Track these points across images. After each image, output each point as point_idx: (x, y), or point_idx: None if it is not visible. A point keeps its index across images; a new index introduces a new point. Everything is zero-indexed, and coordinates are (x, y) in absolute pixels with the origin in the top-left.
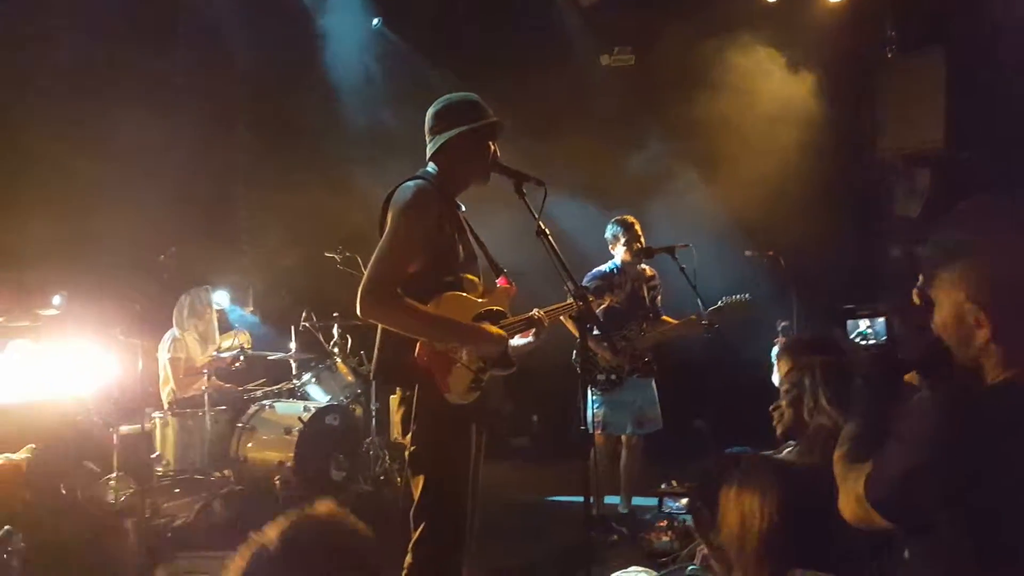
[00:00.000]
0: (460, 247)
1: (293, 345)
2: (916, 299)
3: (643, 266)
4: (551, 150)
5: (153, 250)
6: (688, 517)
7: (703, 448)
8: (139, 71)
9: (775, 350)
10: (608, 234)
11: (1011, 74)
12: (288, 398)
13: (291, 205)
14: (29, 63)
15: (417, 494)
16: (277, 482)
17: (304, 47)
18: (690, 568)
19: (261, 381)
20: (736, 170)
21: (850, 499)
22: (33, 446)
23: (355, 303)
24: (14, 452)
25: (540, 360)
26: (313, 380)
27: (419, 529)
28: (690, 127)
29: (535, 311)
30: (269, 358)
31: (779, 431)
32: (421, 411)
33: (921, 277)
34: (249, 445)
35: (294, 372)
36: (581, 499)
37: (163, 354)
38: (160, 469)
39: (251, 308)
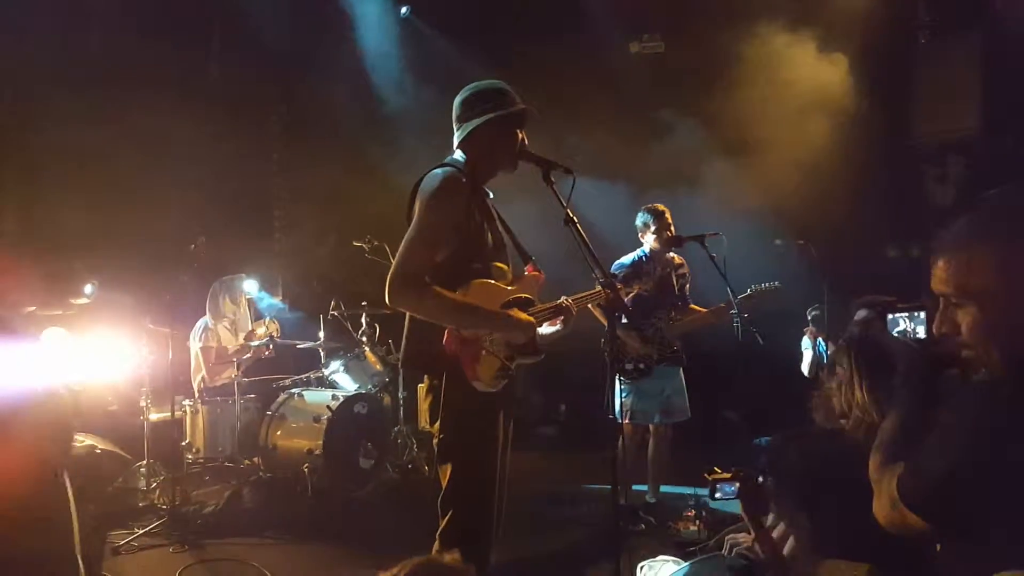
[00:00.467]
0: (488, 234)
1: (322, 334)
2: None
3: (672, 254)
4: (579, 138)
5: (184, 239)
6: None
7: (732, 438)
8: (171, 62)
9: (805, 339)
10: (638, 222)
11: None
12: (317, 386)
13: (321, 194)
14: (62, 55)
15: (445, 482)
16: (306, 470)
17: (335, 36)
18: (735, 550)
19: (288, 379)
20: (767, 157)
21: (884, 502)
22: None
23: (383, 292)
24: None
25: (568, 349)
26: (342, 369)
27: (447, 516)
28: (720, 114)
29: (563, 299)
30: (298, 347)
31: (817, 419)
32: (449, 399)
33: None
34: (278, 433)
35: (323, 361)
36: (608, 488)
37: (195, 343)
38: (190, 457)
39: (280, 296)
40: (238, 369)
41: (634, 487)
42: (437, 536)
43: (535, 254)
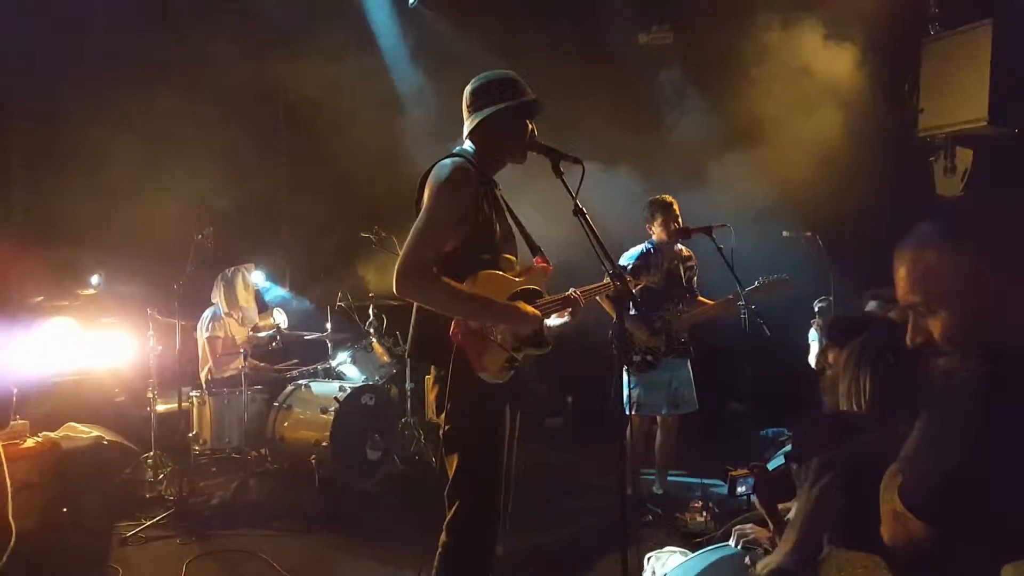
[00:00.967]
0: (497, 225)
1: (329, 325)
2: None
3: (680, 246)
4: (586, 129)
5: (190, 230)
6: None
7: (739, 430)
8: (178, 53)
9: (812, 331)
10: (646, 214)
11: None
12: (324, 378)
13: (328, 185)
14: (69, 48)
15: (451, 473)
16: (313, 461)
17: (342, 26)
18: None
19: (294, 361)
20: (775, 149)
21: (887, 514)
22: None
23: (390, 283)
24: (53, 431)
25: (575, 340)
26: (349, 360)
27: (453, 507)
28: (728, 106)
29: (571, 291)
30: (305, 338)
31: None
32: (455, 390)
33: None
34: (285, 424)
35: (330, 352)
36: (615, 479)
37: (202, 333)
38: (197, 448)
39: (287, 287)
40: (245, 360)
41: (643, 475)
42: (444, 527)
43: (543, 245)
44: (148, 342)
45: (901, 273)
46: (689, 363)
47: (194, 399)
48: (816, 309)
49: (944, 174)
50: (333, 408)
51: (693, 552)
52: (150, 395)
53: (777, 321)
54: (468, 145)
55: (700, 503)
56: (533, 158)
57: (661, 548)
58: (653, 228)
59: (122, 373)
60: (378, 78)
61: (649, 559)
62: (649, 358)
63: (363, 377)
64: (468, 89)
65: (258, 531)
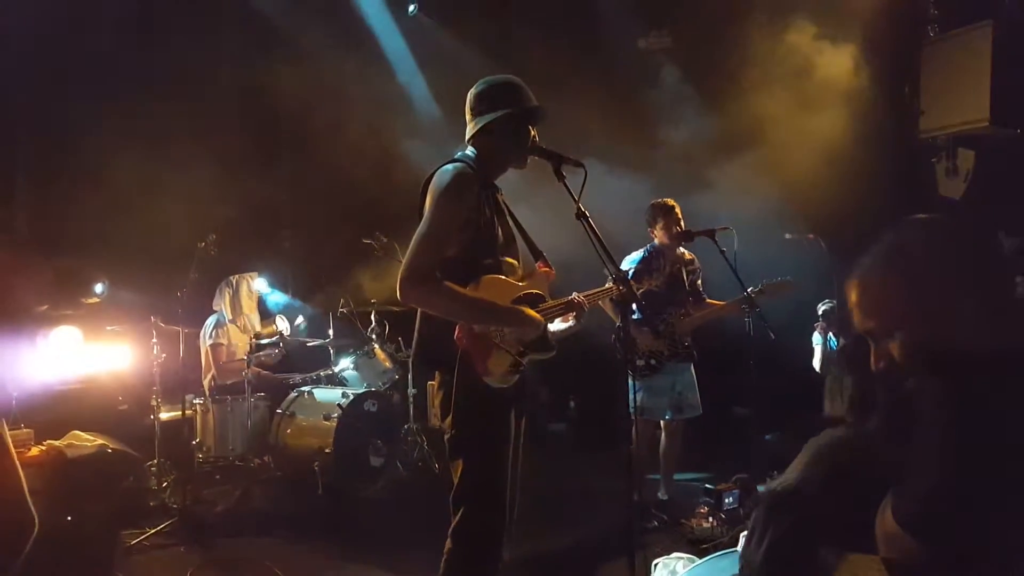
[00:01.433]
0: (499, 230)
1: (331, 331)
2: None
3: (682, 250)
4: (585, 133)
5: (194, 237)
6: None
7: (743, 434)
8: (180, 63)
9: (816, 334)
10: (647, 217)
11: None
12: (327, 384)
13: (329, 191)
14: (72, 58)
15: (456, 478)
16: (316, 468)
17: (343, 34)
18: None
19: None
20: (776, 151)
21: (880, 536)
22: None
23: (392, 289)
24: (57, 439)
25: (577, 345)
26: (351, 366)
27: (459, 513)
28: (729, 108)
29: (574, 295)
30: (308, 344)
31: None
32: (460, 395)
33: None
34: (288, 431)
35: (332, 358)
36: (622, 485)
37: (205, 341)
38: (200, 456)
39: (290, 294)
40: (248, 367)
41: (648, 477)
42: (449, 533)
43: (546, 250)
44: (152, 350)
45: (852, 302)
46: (692, 367)
47: (197, 407)
48: (820, 312)
49: (946, 175)
50: (336, 415)
51: (700, 558)
52: (154, 403)
53: (781, 324)
54: (470, 150)
55: (706, 509)
56: (534, 162)
57: (668, 554)
58: (655, 231)
59: (126, 381)
60: (379, 85)
61: (656, 565)
62: (652, 362)
63: (366, 383)
64: (471, 93)
65: (262, 538)
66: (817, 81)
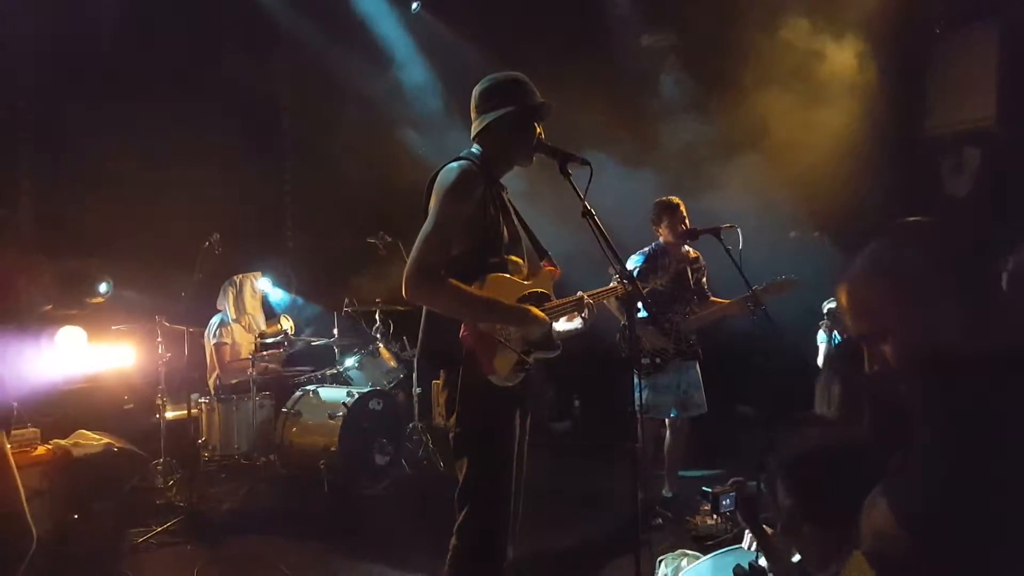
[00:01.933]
0: (504, 228)
1: (336, 330)
2: None
3: (687, 248)
4: (592, 131)
5: (197, 237)
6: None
7: (748, 432)
8: (184, 64)
9: (821, 333)
10: (652, 215)
11: None
12: (332, 383)
13: (333, 191)
14: (76, 59)
15: (461, 476)
16: (322, 467)
17: (346, 34)
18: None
19: (305, 369)
20: (782, 149)
21: (867, 534)
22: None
23: (397, 288)
24: (63, 438)
25: (581, 344)
26: (356, 365)
27: (464, 511)
28: (734, 106)
29: (580, 293)
30: (312, 343)
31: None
32: (465, 393)
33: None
34: (294, 430)
35: (337, 357)
36: (628, 483)
37: (209, 340)
38: (206, 454)
39: (294, 293)
40: (253, 366)
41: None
42: (454, 530)
43: (551, 249)
44: (157, 349)
45: (844, 308)
46: (697, 365)
47: (203, 406)
48: (825, 311)
49: (952, 173)
50: (341, 413)
51: (705, 555)
52: (159, 402)
53: (786, 322)
54: (475, 147)
55: (710, 506)
56: (539, 160)
57: (673, 551)
58: (660, 230)
59: (131, 380)
60: (382, 83)
61: (661, 562)
62: (657, 360)
63: (370, 382)
64: (476, 90)
65: (268, 536)
66: (823, 79)
